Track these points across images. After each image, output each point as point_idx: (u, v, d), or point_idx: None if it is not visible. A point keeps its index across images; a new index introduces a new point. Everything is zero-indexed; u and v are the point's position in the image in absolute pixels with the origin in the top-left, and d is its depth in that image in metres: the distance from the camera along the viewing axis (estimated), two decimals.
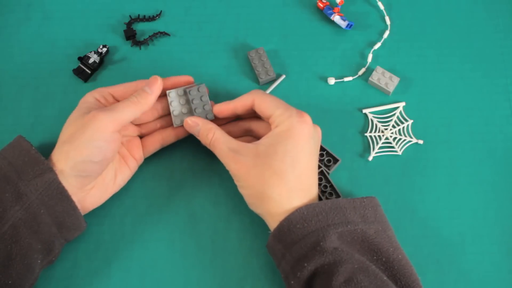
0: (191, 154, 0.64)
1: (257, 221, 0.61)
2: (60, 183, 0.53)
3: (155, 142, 0.61)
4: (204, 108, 0.61)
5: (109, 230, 0.61)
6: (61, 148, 0.55)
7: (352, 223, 0.53)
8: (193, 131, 0.59)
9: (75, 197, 0.55)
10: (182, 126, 0.61)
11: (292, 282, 0.52)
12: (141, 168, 0.63)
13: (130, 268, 0.60)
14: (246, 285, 0.59)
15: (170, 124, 0.63)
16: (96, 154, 0.54)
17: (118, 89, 0.59)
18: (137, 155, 0.60)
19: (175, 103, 0.61)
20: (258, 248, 0.60)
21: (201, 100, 0.61)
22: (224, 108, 0.60)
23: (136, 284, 0.59)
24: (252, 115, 0.61)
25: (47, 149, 0.57)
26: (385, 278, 0.51)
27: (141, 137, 0.62)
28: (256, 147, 0.55)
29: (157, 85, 0.58)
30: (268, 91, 0.67)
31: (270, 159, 0.54)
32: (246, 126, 0.62)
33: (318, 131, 0.58)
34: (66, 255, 0.59)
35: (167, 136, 0.62)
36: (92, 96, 0.58)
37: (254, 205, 0.56)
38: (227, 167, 0.57)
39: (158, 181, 0.63)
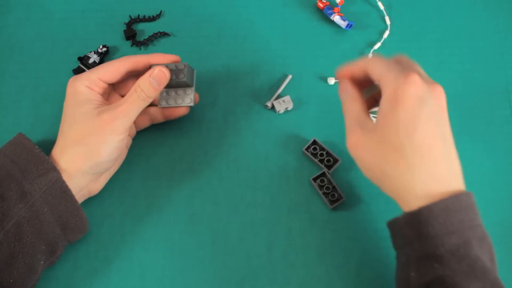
0: (191, 154, 0.64)
1: (257, 222, 0.61)
2: (63, 182, 0.53)
3: (145, 120, 0.63)
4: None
5: (109, 230, 0.61)
6: (73, 149, 0.55)
7: (481, 225, 0.48)
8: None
9: (81, 193, 0.57)
10: (168, 107, 0.62)
11: (413, 274, 0.48)
12: (141, 167, 0.63)
13: (130, 268, 0.60)
14: (246, 285, 0.59)
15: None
16: (114, 153, 0.57)
17: (104, 74, 0.58)
18: (131, 132, 0.63)
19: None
20: (258, 248, 0.60)
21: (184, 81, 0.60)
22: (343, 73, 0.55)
23: (136, 284, 0.59)
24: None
25: (47, 149, 0.57)
26: None
27: None
28: (375, 122, 0.50)
29: (164, 79, 0.58)
30: (276, 93, 0.67)
31: (385, 133, 0.49)
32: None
33: (436, 92, 0.50)
34: (66, 255, 0.59)
35: (154, 115, 0.63)
36: (83, 85, 0.57)
37: (379, 186, 0.52)
38: (346, 141, 0.53)
39: (158, 181, 0.63)
